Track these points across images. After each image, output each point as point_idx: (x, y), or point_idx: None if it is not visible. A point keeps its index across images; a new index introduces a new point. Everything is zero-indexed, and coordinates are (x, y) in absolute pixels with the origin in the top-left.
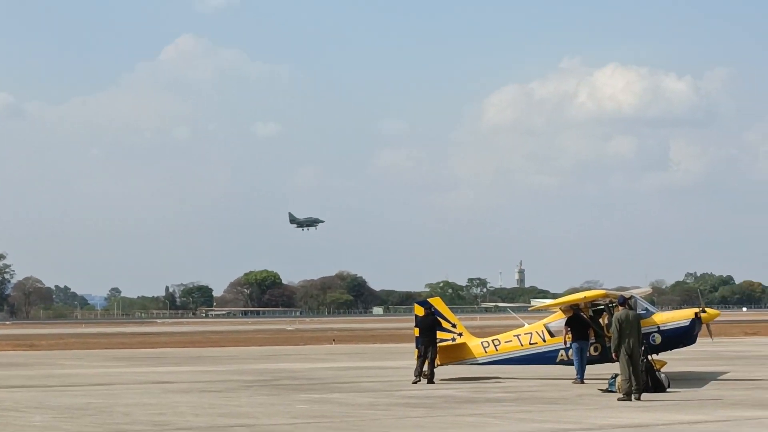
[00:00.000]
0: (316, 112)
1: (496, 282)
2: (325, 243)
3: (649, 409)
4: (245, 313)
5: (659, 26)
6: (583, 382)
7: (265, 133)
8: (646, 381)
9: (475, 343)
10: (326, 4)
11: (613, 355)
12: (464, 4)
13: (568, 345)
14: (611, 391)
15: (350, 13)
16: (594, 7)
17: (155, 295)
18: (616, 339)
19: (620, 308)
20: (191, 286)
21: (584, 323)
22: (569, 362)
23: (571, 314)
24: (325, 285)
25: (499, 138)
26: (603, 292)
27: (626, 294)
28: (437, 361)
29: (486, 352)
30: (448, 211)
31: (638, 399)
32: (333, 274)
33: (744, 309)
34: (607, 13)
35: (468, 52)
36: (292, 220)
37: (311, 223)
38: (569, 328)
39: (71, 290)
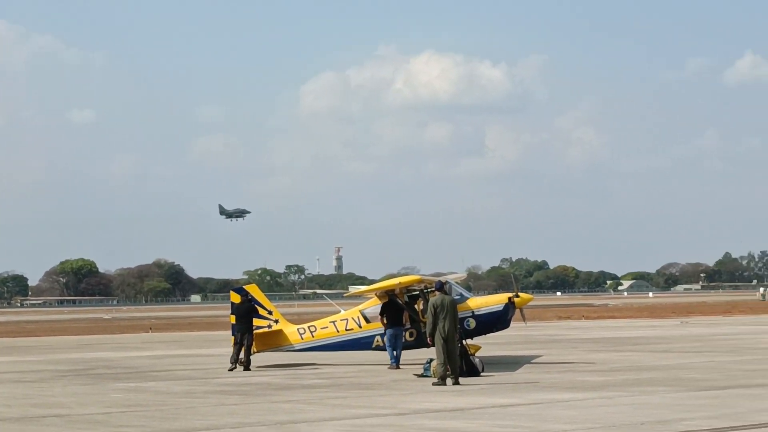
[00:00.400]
0: (132, 100)
1: (314, 269)
2: (142, 231)
3: (464, 393)
4: (61, 303)
5: (474, 14)
6: (398, 368)
7: (80, 121)
8: (460, 365)
9: (291, 330)
10: None
11: (429, 339)
12: None
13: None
14: (426, 376)
15: (167, 2)
16: None
17: None
18: (431, 324)
19: (437, 293)
20: (5, 275)
21: (399, 309)
22: (385, 348)
23: (386, 300)
24: (142, 273)
25: (316, 124)
26: (418, 277)
27: (442, 279)
28: (253, 348)
29: (302, 338)
30: (265, 197)
31: (455, 383)
32: (150, 262)
33: (558, 293)
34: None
35: (284, 39)
36: (222, 211)
37: (240, 213)
38: (384, 314)
39: None
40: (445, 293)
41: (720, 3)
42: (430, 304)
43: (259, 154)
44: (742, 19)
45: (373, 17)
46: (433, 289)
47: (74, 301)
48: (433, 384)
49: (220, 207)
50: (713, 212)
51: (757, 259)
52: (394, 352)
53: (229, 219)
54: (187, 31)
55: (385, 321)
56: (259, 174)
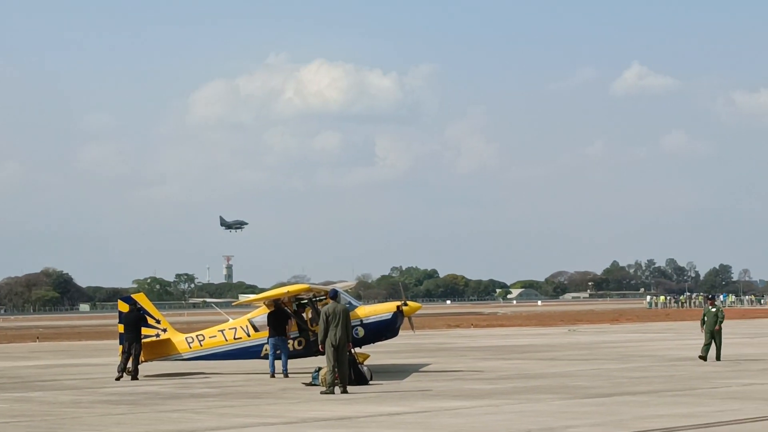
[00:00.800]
0: (17, 106)
1: (204, 277)
2: (29, 239)
3: (352, 401)
4: None
5: (364, 23)
6: (287, 376)
7: None
8: (349, 374)
9: (179, 339)
10: None
11: (320, 346)
12: None
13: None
14: (315, 385)
15: (53, 5)
16: (300, 2)
17: None
18: (322, 331)
19: (330, 301)
20: None
21: (284, 318)
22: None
23: (273, 309)
24: (30, 282)
25: (206, 133)
26: (306, 286)
27: (328, 288)
28: (142, 357)
29: (190, 347)
30: (155, 206)
31: (343, 392)
32: (38, 270)
33: (448, 302)
34: (313, 8)
35: (174, 46)
36: (222, 222)
37: (239, 225)
38: (290, 321)
39: None
40: (338, 301)
41: (607, 14)
42: (322, 311)
43: (149, 162)
44: (629, 30)
45: (263, 26)
46: (323, 297)
47: None
48: (322, 393)
49: (221, 218)
50: (601, 221)
51: (644, 268)
52: (276, 362)
53: (229, 230)
54: (75, 36)
55: (273, 330)
56: (149, 182)
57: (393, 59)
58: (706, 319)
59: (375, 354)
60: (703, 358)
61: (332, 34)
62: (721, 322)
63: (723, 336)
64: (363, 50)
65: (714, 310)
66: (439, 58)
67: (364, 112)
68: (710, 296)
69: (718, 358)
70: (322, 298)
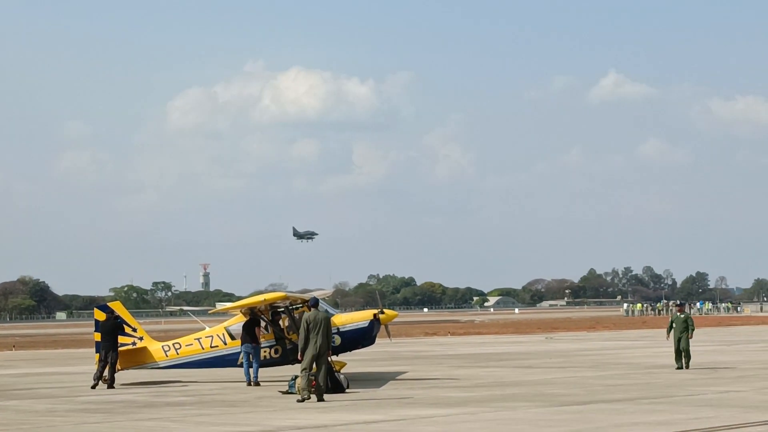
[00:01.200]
0: None
1: (181, 285)
2: (6, 247)
3: (329, 409)
4: None
5: (342, 30)
6: (258, 385)
7: None
8: (326, 382)
9: (156, 347)
10: (4, 2)
11: (299, 354)
12: (148, 5)
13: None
14: (291, 393)
15: (31, 11)
16: (276, 10)
17: None
18: (303, 339)
19: (312, 309)
20: None
21: (259, 325)
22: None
23: (250, 317)
24: (6, 290)
25: (183, 141)
26: (283, 294)
27: (307, 296)
28: (118, 366)
29: (167, 356)
30: (132, 214)
31: (320, 400)
32: (15, 279)
33: (425, 310)
34: (291, 15)
35: (151, 54)
36: (294, 233)
37: (310, 235)
38: (257, 330)
39: None
40: (319, 310)
41: (584, 22)
42: (303, 319)
43: (126, 170)
44: (606, 38)
45: (241, 33)
46: (299, 305)
47: None
48: (299, 401)
49: (294, 229)
50: (578, 229)
51: (621, 275)
52: (250, 370)
53: (300, 240)
54: (53, 43)
55: (263, 336)
56: (126, 190)
57: (370, 67)
58: (674, 326)
59: (352, 362)
60: (686, 366)
61: (310, 41)
62: (692, 330)
63: (695, 344)
64: (340, 58)
65: (683, 317)
66: (416, 65)
67: (341, 120)
68: (679, 303)
69: (686, 366)
70: (298, 306)
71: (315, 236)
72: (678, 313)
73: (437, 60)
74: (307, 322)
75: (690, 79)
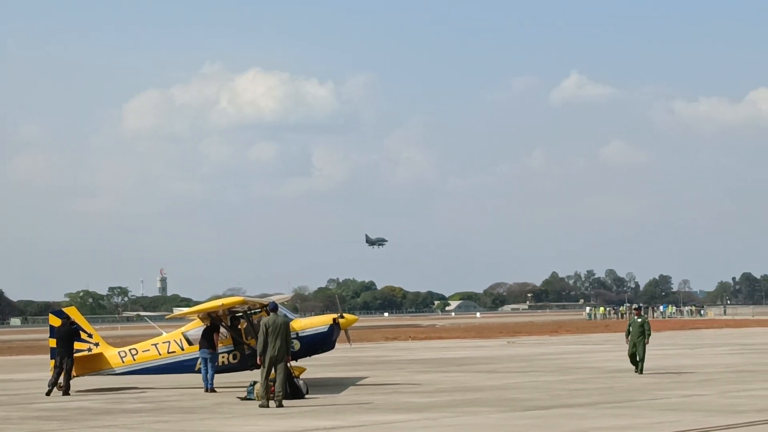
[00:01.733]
0: None
1: (137, 290)
2: None
3: (287, 416)
4: None
5: (300, 31)
6: (214, 391)
7: None
8: (285, 388)
9: (112, 353)
10: None
11: (258, 359)
12: (102, 6)
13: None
14: (250, 399)
15: None
16: (234, 10)
17: None
18: (261, 343)
19: (271, 313)
20: None
21: (216, 332)
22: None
23: (208, 322)
24: None
25: (140, 144)
26: (241, 299)
27: (265, 300)
28: (73, 373)
29: (123, 362)
30: (88, 218)
31: (279, 406)
32: None
33: (386, 314)
34: (248, 16)
35: (107, 55)
36: (367, 240)
37: (381, 242)
38: (215, 336)
39: None
40: (278, 314)
41: (546, 23)
42: (262, 323)
43: (82, 173)
44: (568, 39)
45: (197, 34)
46: (258, 310)
47: None
48: (260, 406)
49: (366, 236)
50: (540, 232)
51: (583, 279)
52: (208, 375)
53: (372, 246)
54: (7, 45)
55: (220, 341)
56: (81, 193)
57: (330, 68)
58: (631, 329)
59: (311, 367)
60: (640, 371)
61: (267, 42)
62: (649, 335)
63: (657, 347)
64: (299, 59)
65: (640, 320)
66: (376, 67)
67: (300, 122)
68: (637, 306)
69: (640, 371)
70: (257, 310)
71: (386, 243)
72: (635, 317)
73: (398, 61)
74: (266, 326)
75: (653, 80)
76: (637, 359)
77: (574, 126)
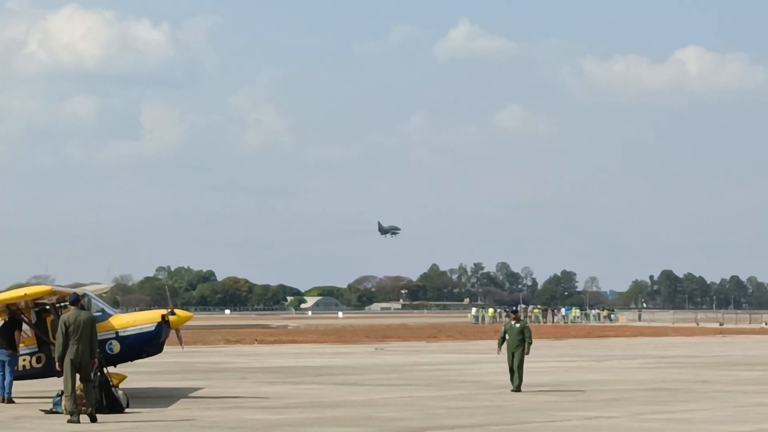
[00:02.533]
0: None
1: None
2: None
3: None
4: None
5: None
6: (12, 401)
7: None
8: (100, 398)
9: None
10: None
11: (57, 365)
12: None
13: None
14: (57, 412)
15: None
16: None
17: None
18: (60, 345)
19: (71, 308)
20: None
21: (19, 327)
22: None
23: (7, 316)
24: None
25: None
26: (49, 288)
27: (79, 291)
28: None
29: None
30: None
31: (93, 421)
32: None
33: (227, 311)
34: None
35: None
36: (379, 228)
37: (395, 230)
38: (16, 334)
39: None
40: (82, 308)
41: None
42: (60, 321)
43: None
44: None
45: None
46: (68, 302)
47: None
48: (69, 422)
49: (379, 224)
50: (418, 215)
51: (469, 273)
52: (5, 382)
53: (385, 235)
54: None
55: (2, 343)
56: None
57: (165, 7)
58: (507, 337)
59: (133, 375)
60: (517, 389)
61: None
62: (530, 344)
63: (554, 359)
64: None
65: (518, 326)
66: (222, 8)
67: (127, 72)
68: (514, 309)
69: (517, 387)
70: (68, 303)
71: (399, 231)
72: (512, 322)
73: (248, 2)
74: (65, 324)
75: (559, 33)
76: (516, 374)
77: (463, 87)
